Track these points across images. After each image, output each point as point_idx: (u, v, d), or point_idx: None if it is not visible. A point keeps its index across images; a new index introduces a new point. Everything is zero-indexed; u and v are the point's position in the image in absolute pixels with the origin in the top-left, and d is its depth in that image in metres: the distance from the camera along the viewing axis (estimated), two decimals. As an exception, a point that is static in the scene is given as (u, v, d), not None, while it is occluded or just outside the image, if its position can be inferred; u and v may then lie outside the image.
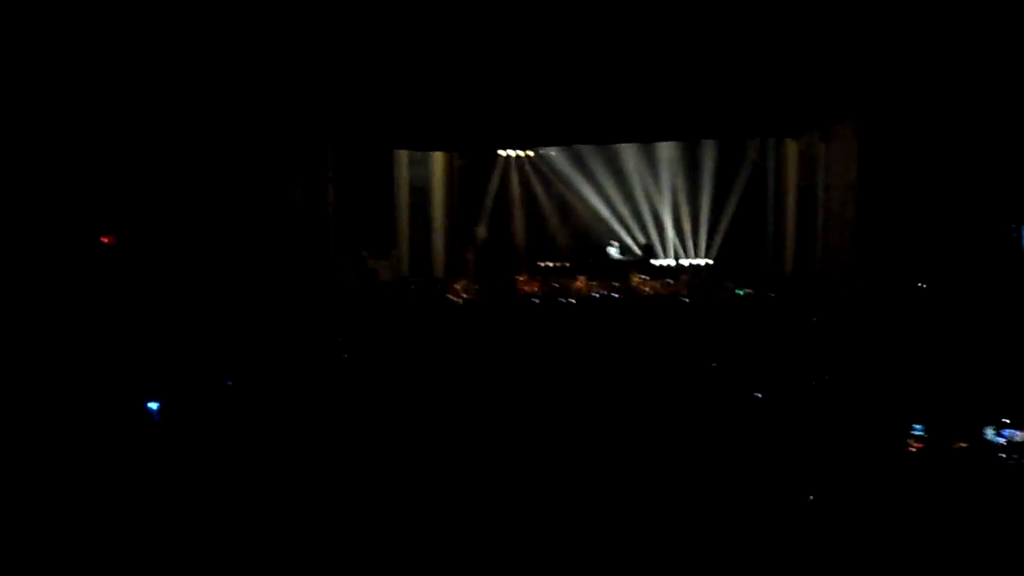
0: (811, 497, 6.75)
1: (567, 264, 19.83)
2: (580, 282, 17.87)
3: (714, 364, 11.82)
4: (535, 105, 14.42)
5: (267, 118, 14.85)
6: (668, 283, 18.29)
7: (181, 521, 6.12)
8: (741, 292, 17.56)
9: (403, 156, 19.30)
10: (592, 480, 7.17)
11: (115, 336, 11.14)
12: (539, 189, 20.76)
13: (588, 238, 20.58)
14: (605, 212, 20.47)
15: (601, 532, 6.15)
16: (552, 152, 20.66)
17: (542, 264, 19.72)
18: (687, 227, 20.33)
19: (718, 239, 20.27)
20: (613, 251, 20.28)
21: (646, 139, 19.48)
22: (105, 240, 13.04)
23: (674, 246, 20.39)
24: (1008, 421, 8.01)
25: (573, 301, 16.99)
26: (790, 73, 12.67)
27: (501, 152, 20.72)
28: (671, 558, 5.87)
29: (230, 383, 9.76)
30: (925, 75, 12.87)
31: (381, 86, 13.28)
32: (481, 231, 20.39)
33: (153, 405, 8.77)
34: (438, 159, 19.65)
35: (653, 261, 19.92)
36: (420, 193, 19.43)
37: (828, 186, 17.54)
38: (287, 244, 16.21)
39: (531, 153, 20.73)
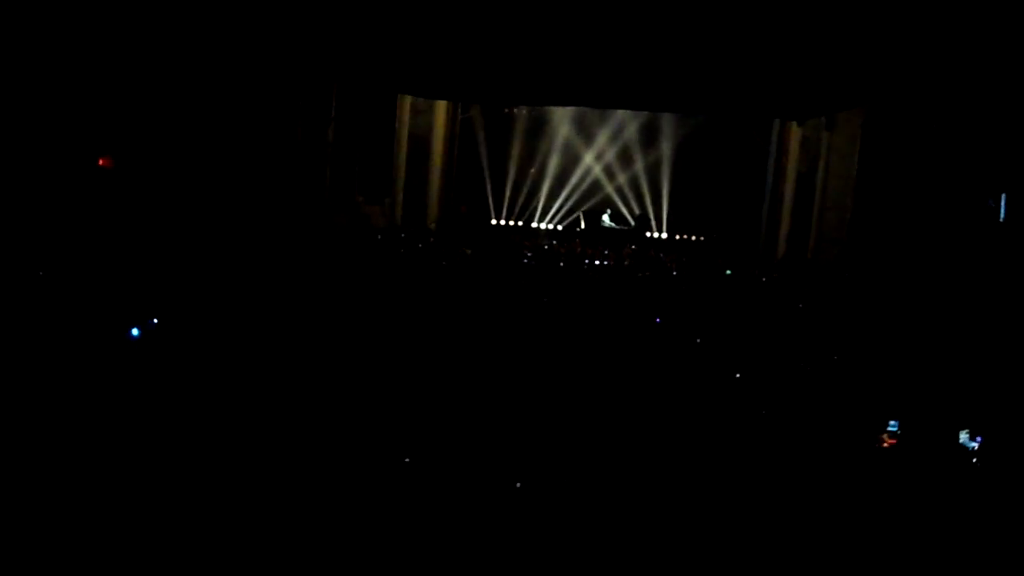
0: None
1: (559, 228, 19.86)
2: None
3: (698, 340, 11.87)
4: (546, 61, 14.33)
5: (273, 54, 14.71)
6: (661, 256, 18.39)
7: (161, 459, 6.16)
8: (729, 272, 17.62)
9: (406, 104, 19.15)
10: (565, 457, 7.22)
11: (106, 259, 11.14)
12: (540, 150, 20.65)
13: (583, 204, 20.55)
14: (603, 179, 20.42)
15: (577, 508, 6.21)
16: (555, 115, 20.54)
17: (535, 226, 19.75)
18: (682, 202, 20.32)
19: (713, 216, 20.26)
20: (607, 219, 20.27)
21: (652, 107, 19.39)
22: (102, 162, 12.98)
23: (667, 220, 20.38)
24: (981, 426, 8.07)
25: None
26: (800, 56, 12.62)
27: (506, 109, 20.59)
28: (641, 534, 5.93)
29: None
30: (932, 68, 12.84)
31: (389, 26, 13.16)
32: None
33: (135, 331, 8.78)
34: (440, 111, 19.51)
35: (647, 234, 19.96)
36: (420, 143, 19.30)
37: (828, 174, 17.52)
38: (284, 182, 16.12)
39: (525, 111, 20.57)
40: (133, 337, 8.76)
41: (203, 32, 13.11)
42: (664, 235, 20.18)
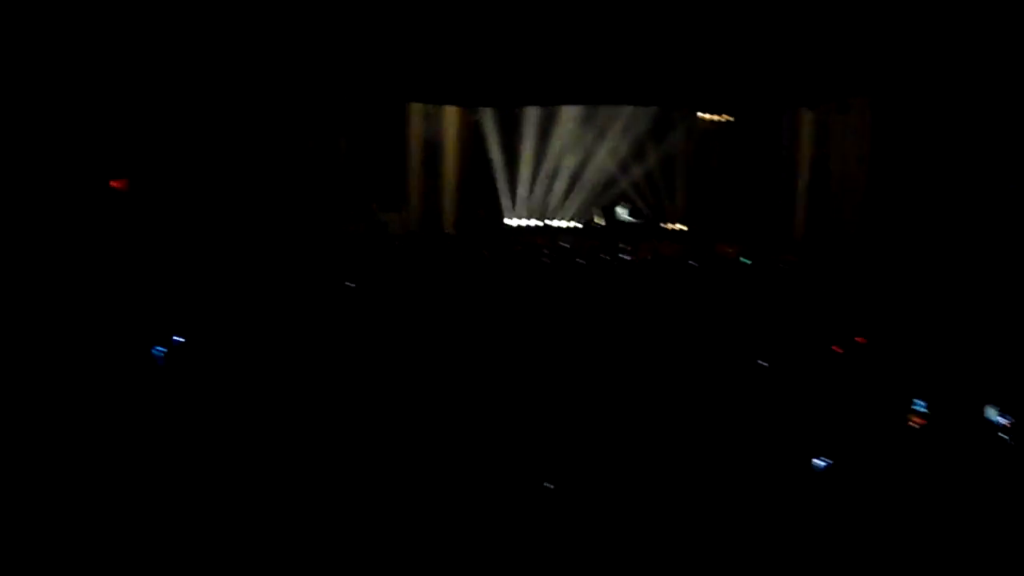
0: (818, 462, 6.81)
1: (578, 225, 19.86)
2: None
3: (723, 332, 11.86)
4: (554, 61, 14.36)
5: (282, 69, 14.81)
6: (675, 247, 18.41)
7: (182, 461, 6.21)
8: (747, 261, 17.61)
9: (416, 110, 19.21)
10: (594, 448, 7.25)
11: (124, 277, 11.24)
12: (553, 148, 20.63)
13: (598, 199, 20.52)
14: (615, 174, 20.40)
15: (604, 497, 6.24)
16: (565, 112, 20.53)
17: (551, 224, 19.76)
18: (697, 193, 20.28)
19: (726, 205, 20.20)
20: (622, 212, 20.25)
21: (663, 104, 19.39)
22: (115, 184, 13.09)
23: (680, 211, 20.34)
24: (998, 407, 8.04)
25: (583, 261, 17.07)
26: (810, 43, 12.60)
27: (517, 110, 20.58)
28: (672, 527, 5.95)
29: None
30: (940, 52, 12.79)
31: (396, 36, 13.22)
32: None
33: (160, 349, 8.84)
34: (451, 114, 19.57)
35: (663, 225, 19.94)
36: (432, 147, 19.36)
37: (842, 156, 17.47)
38: (297, 194, 16.20)
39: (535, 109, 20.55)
40: (159, 354, 8.83)
41: (212, 45, 13.20)
42: (684, 227, 20.13)
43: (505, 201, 20.45)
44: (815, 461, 6.90)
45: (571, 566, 5.30)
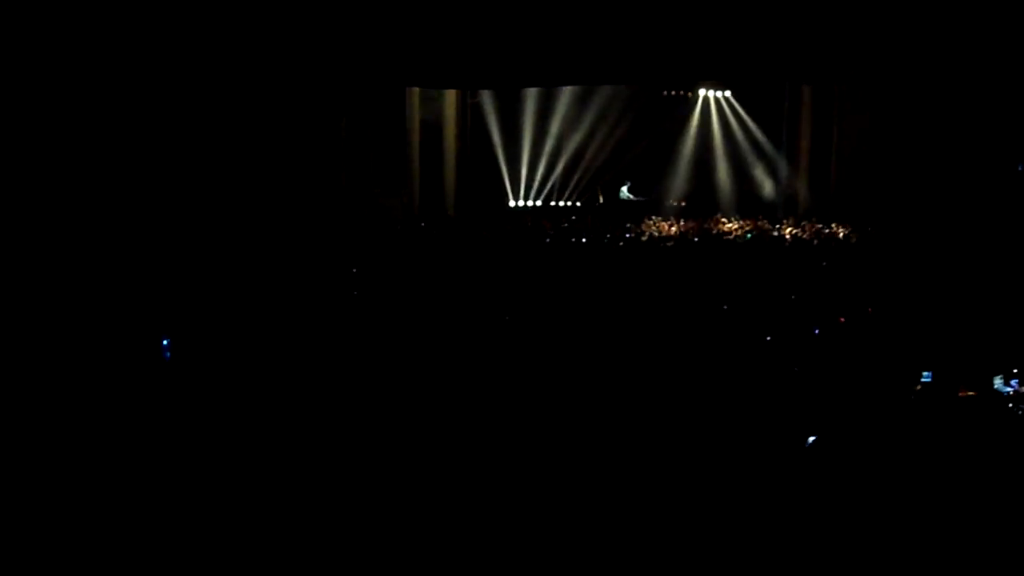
0: (811, 439, 6.82)
1: (578, 204, 19.83)
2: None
3: (725, 307, 11.87)
4: (547, 43, 14.30)
5: (280, 55, 14.75)
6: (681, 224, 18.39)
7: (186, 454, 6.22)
8: (749, 235, 17.62)
9: (415, 94, 19.13)
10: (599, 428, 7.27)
11: (126, 272, 11.25)
12: (553, 128, 20.54)
13: (599, 177, 20.44)
14: (616, 152, 20.32)
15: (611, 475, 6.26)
16: (564, 92, 20.41)
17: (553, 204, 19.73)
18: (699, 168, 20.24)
19: (731, 181, 20.16)
20: (625, 192, 20.19)
21: (661, 81, 19.33)
22: None
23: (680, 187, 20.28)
24: (1017, 371, 8.05)
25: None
26: (809, 18, 12.58)
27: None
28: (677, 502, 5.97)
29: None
30: (939, 29, 12.77)
31: (392, 18, 13.18)
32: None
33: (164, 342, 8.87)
34: (450, 97, 19.49)
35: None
36: (432, 131, 19.30)
37: (842, 132, 17.47)
38: (298, 183, 16.18)
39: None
40: (164, 347, 8.85)
41: (205, 33, 13.15)
42: (683, 203, 20.08)
43: (508, 183, 20.37)
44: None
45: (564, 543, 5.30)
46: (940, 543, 5.48)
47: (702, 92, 20.42)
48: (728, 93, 20.20)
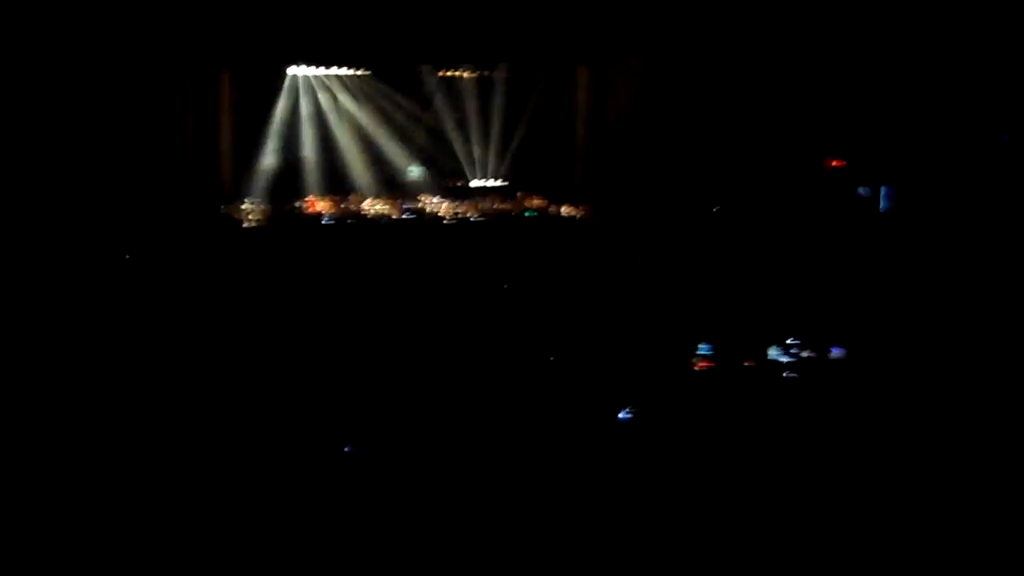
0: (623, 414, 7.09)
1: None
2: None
3: (505, 286, 12.12)
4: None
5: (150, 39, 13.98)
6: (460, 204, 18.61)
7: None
8: (528, 214, 18.05)
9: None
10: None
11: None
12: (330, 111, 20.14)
13: (386, 161, 20.23)
14: (401, 136, 20.17)
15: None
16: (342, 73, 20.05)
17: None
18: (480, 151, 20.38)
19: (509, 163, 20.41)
20: (415, 172, 20.09)
21: (442, 63, 19.36)
22: None
23: (468, 169, 20.40)
24: (793, 341, 8.66)
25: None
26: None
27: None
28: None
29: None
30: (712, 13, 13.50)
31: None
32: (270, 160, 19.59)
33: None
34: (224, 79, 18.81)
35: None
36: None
37: (616, 113, 18.06)
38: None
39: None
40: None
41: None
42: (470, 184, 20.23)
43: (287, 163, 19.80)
44: (620, 414, 7.20)
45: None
46: (736, 505, 5.85)
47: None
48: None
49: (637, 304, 11.24)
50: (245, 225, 16.99)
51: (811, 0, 12.94)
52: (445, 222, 17.96)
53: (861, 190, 13.37)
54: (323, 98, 19.96)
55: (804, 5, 12.94)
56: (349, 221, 17.72)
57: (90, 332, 9.56)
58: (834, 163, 13.78)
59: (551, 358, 9.00)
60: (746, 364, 8.63)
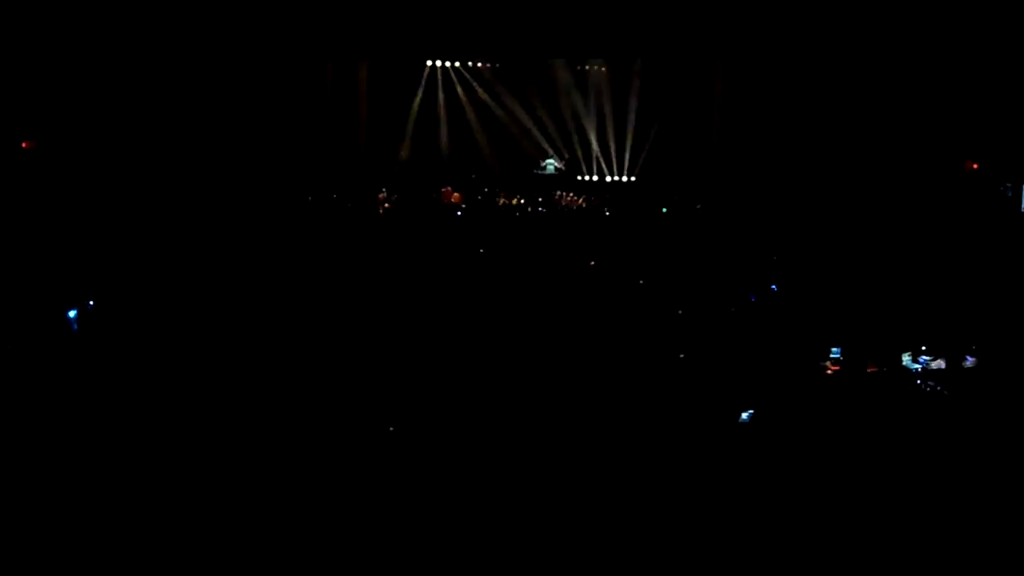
0: (746, 415, 6.93)
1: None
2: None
3: (641, 281, 12.00)
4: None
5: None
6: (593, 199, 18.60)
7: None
8: (664, 210, 17.87)
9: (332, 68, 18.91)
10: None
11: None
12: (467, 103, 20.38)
13: (519, 154, 20.35)
14: (534, 129, 20.26)
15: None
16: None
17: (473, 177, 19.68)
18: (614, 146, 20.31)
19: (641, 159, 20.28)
20: (552, 165, 20.16)
21: (577, 56, 19.40)
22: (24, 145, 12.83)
23: (598, 163, 20.35)
24: (925, 348, 8.31)
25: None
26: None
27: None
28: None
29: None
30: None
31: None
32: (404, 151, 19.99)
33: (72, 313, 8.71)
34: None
35: (580, 177, 20.00)
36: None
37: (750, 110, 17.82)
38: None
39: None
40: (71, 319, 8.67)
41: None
42: (595, 178, 20.19)
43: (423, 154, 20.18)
44: (742, 415, 7.05)
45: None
46: (864, 516, 5.65)
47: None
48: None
49: (770, 304, 11.01)
50: (380, 212, 17.38)
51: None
52: (575, 214, 17.94)
53: (1004, 190, 12.73)
54: (460, 91, 20.29)
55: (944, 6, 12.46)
56: (481, 212, 17.84)
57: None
58: (973, 166, 13.19)
59: (680, 355, 8.87)
60: (871, 370, 8.33)
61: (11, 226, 11.54)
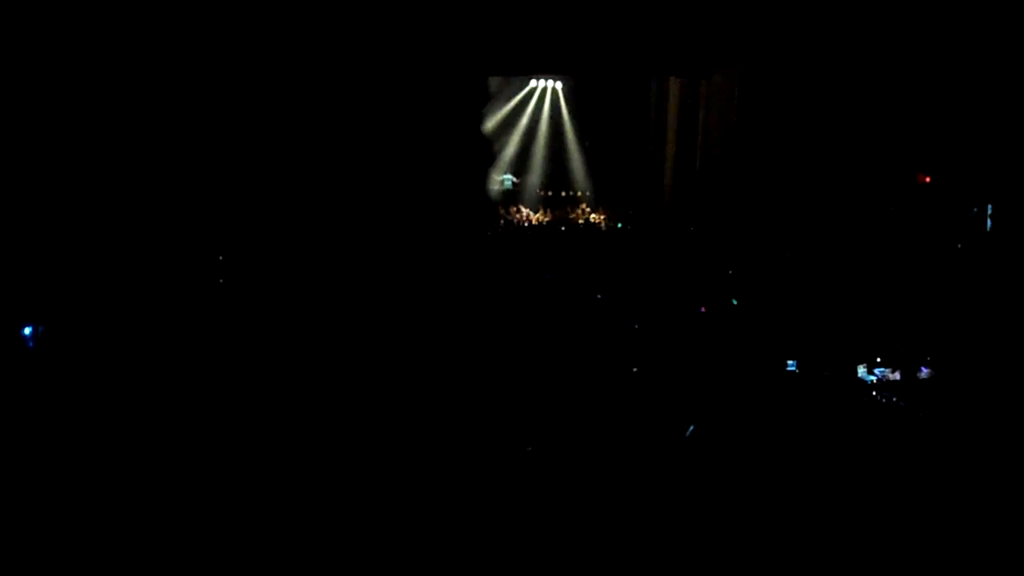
0: (691, 428, 6.99)
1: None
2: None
3: (599, 296, 12.05)
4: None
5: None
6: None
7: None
8: (620, 225, 17.98)
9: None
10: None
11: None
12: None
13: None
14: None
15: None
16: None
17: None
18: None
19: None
20: (509, 179, 20.22)
21: (535, 71, 19.51)
22: None
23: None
24: (880, 360, 8.44)
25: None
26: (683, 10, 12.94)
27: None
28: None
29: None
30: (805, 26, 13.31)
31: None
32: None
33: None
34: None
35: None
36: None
37: (707, 123, 17.87)
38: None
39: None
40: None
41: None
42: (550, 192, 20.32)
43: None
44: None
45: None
46: (820, 526, 5.72)
47: (542, 82, 20.69)
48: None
49: (729, 317, 11.14)
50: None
51: (905, 10, 12.58)
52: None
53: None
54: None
55: (898, 16, 12.61)
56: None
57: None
58: (926, 179, 13.37)
59: (633, 369, 8.93)
60: (826, 375, 8.47)
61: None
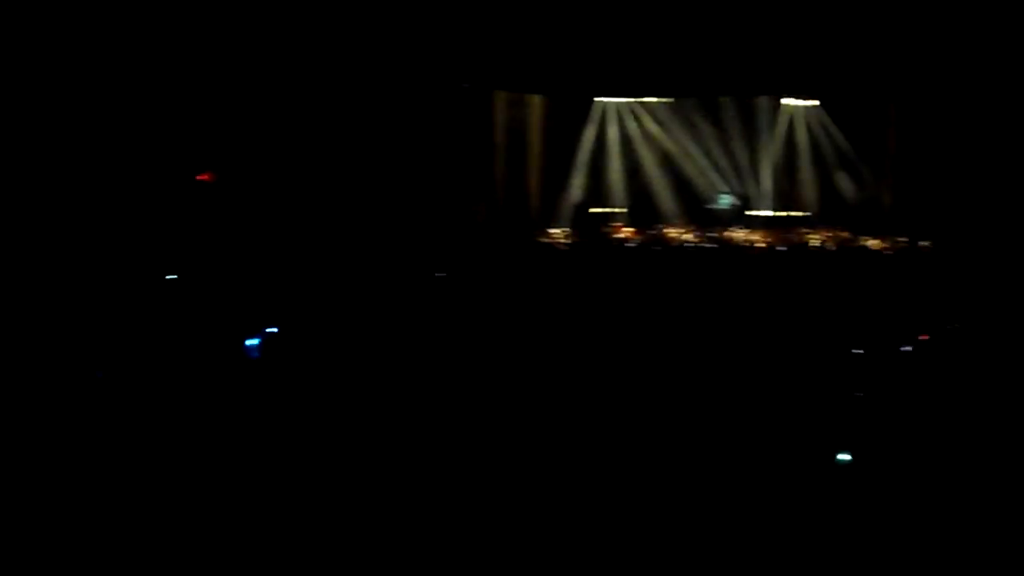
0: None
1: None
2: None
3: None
4: (633, 54, 14.49)
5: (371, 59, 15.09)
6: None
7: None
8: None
9: (501, 98, 19.40)
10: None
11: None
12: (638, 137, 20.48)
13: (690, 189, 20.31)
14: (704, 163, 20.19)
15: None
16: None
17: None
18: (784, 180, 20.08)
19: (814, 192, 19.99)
20: (727, 199, 20.04)
21: (734, 93, 19.35)
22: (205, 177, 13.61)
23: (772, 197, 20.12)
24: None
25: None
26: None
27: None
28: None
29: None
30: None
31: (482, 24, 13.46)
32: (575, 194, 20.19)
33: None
34: (536, 104, 19.71)
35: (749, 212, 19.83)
36: (516, 137, 19.55)
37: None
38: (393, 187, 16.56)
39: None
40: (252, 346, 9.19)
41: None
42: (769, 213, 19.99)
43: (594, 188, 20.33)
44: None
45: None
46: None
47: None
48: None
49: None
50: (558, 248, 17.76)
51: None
52: (745, 251, 17.85)
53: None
54: (630, 125, 20.42)
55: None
56: (654, 247, 17.97)
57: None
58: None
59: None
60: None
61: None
